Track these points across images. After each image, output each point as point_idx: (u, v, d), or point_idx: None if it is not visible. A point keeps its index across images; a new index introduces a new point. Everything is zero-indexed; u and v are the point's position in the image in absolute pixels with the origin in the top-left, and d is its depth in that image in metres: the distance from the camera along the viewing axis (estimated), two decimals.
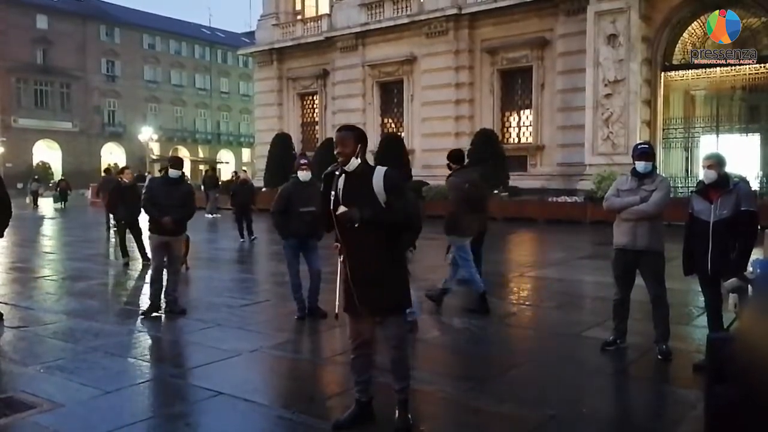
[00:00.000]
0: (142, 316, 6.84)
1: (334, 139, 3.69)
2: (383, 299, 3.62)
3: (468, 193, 6.92)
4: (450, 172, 7.15)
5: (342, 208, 3.52)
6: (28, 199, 30.96)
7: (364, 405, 3.81)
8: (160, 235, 6.90)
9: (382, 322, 3.70)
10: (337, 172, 3.62)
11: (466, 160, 8.13)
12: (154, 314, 6.85)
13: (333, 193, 3.59)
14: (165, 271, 7.01)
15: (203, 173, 36.09)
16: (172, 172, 7.05)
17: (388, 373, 3.84)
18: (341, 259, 3.68)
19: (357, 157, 3.62)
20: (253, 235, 14.42)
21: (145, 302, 7.70)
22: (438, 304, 7.19)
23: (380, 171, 3.62)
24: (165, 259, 6.98)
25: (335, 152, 3.65)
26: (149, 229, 7.04)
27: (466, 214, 6.90)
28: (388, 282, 3.62)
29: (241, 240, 14.37)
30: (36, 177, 35.21)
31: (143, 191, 7.23)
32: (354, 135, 3.66)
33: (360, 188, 3.57)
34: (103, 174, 21.05)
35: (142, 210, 7.50)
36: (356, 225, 3.50)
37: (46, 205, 30.32)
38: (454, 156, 7.25)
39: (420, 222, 4.69)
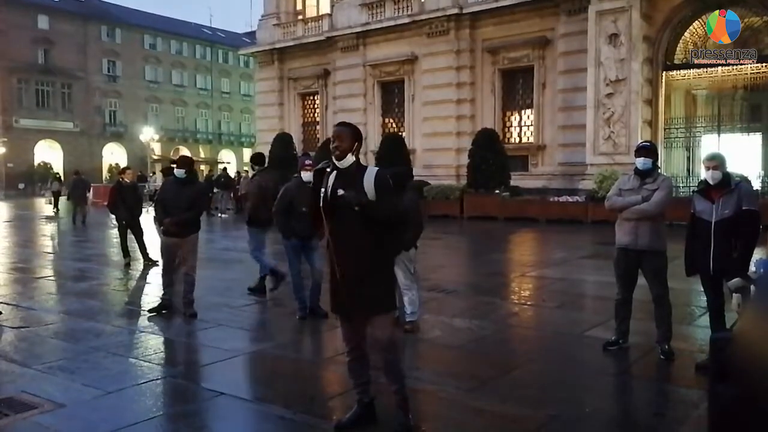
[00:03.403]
0: (149, 314, 6.84)
1: (332, 134, 3.69)
2: (369, 300, 3.59)
3: (266, 192, 7.84)
4: (254, 172, 8.24)
5: (340, 191, 3.50)
6: (46, 200, 28.92)
7: (366, 405, 3.80)
8: (167, 237, 6.81)
9: (369, 323, 3.67)
10: (328, 169, 3.62)
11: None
12: (161, 312, 6.83)
13: (323, 189, 3.59)
14: (178, 273, 6.95)
15: (204, 174, 35.85)
16: (177, 172, 6.85)
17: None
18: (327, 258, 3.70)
19: (352, 154, 3.63)
20: None
21: (146, 302, 7.72)
22: (263, 293, 7.95)
23: (372, 171, 3.62)
24: (176, 261, 6.90)
25: (332, 146, 3.64)
26: (161, 230, 6.93)
27: (264, 209, 7.72)
28: (374, 282, 3.59)
29: None
30: (57, 176, 31.45)
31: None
32: (351, 132, 3.67)
33: (351, 186, 3.54)
34: (73, 176, 21.26)
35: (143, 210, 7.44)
36: (355, 208, 3.46)
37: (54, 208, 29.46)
38: (256, 158, 8.42)
39: (421, 219, 4.68)
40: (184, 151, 55.99)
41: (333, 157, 3.61)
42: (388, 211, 3.58)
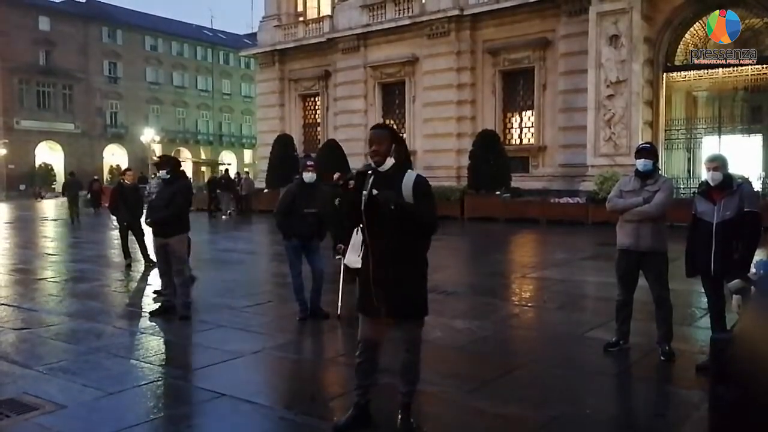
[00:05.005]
0: (150, 316, 6.88)
1: (369, 137, 3.64)
2: (403, 302, 3.58)
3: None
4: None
5: (375, 191, 3.48)
6: (61, 202, 28.04)
7: (363, 407, 3.80)
8: (155, 237, 6.94)
9: (397, 324, 3.66)
10: (369, 171, 3.59)
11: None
12: (161, 315, 6.86)
13: (365, 192, 3.54)
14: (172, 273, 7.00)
15: (206, 176, 35.78)
16: (160, 172, 7.02)
17: (393, 375, 3.82)
18: (343, 259, 3.68)
19: (391, 157, 3.61)
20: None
21: (147, 303, 7.73)
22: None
23: (411, 175, 3.59)
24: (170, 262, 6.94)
25: (370, 150, 3.61)
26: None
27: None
28: (410, 285, 3.59)
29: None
30: (72, 173, 28.73)
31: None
32: (388, 134, 3.66)
33: (389, 188, 3.50)
34: (69, 177, 21.44)
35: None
36: (392, 207, 3.43)
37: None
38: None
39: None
40: (185, 153, 56.20)
41: (373, 162, 3.59)
42: (424, 214, 3.55)
